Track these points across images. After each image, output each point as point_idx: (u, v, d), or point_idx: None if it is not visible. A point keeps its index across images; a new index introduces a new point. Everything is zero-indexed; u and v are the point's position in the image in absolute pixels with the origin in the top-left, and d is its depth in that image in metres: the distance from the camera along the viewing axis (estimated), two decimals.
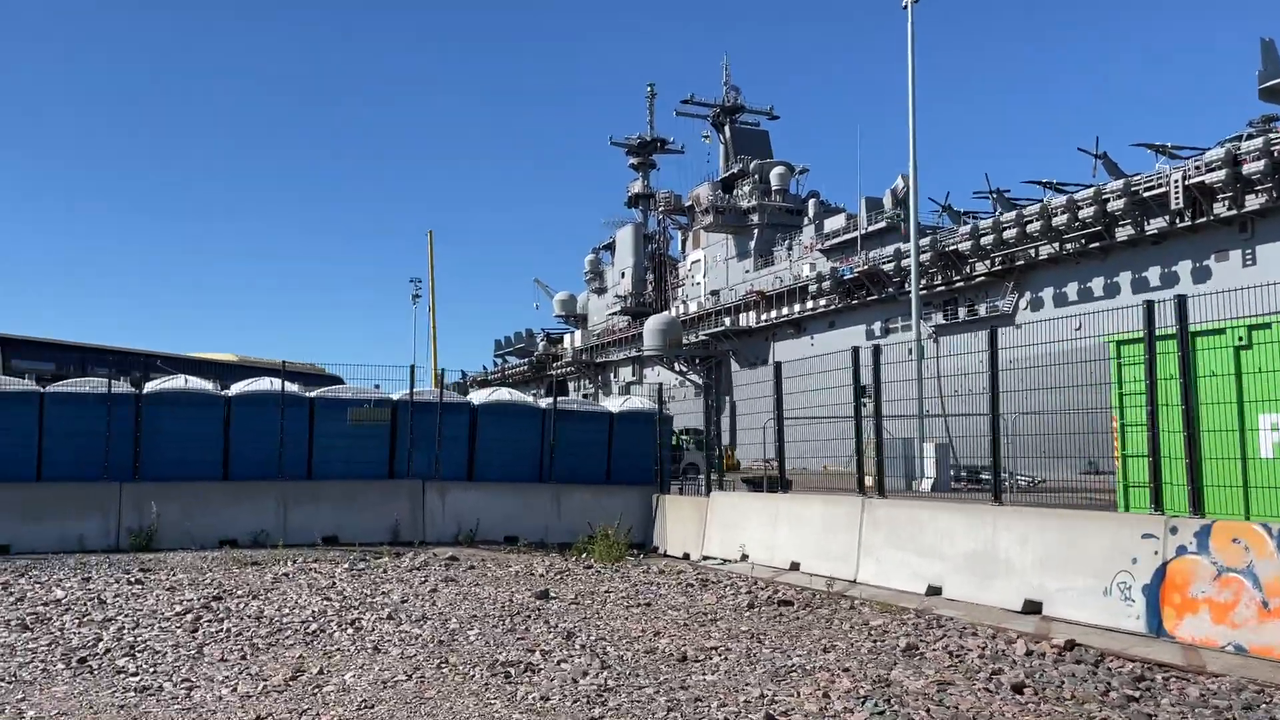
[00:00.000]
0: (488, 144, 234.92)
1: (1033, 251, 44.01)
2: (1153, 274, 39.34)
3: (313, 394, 20.22)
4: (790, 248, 66.27)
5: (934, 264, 47.91)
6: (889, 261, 50.98)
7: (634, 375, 76.74)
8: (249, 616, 10.66)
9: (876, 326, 52.68)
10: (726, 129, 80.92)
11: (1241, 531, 8.78)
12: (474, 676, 7.96)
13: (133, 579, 13.36)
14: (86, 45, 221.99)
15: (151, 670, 8.25)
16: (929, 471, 21.90)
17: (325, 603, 11.52)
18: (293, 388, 20.07)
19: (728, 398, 46.22)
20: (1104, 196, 39.73)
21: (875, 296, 52.58)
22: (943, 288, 48.78)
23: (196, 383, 20.25)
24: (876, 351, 14.47)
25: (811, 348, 54.45)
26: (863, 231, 57.63)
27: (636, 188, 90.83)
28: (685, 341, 68.00)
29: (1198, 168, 36.71)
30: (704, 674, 8.08)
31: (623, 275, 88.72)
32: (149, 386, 19.22)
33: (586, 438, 21.00)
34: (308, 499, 18.80)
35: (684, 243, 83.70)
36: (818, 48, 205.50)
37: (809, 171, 75.90)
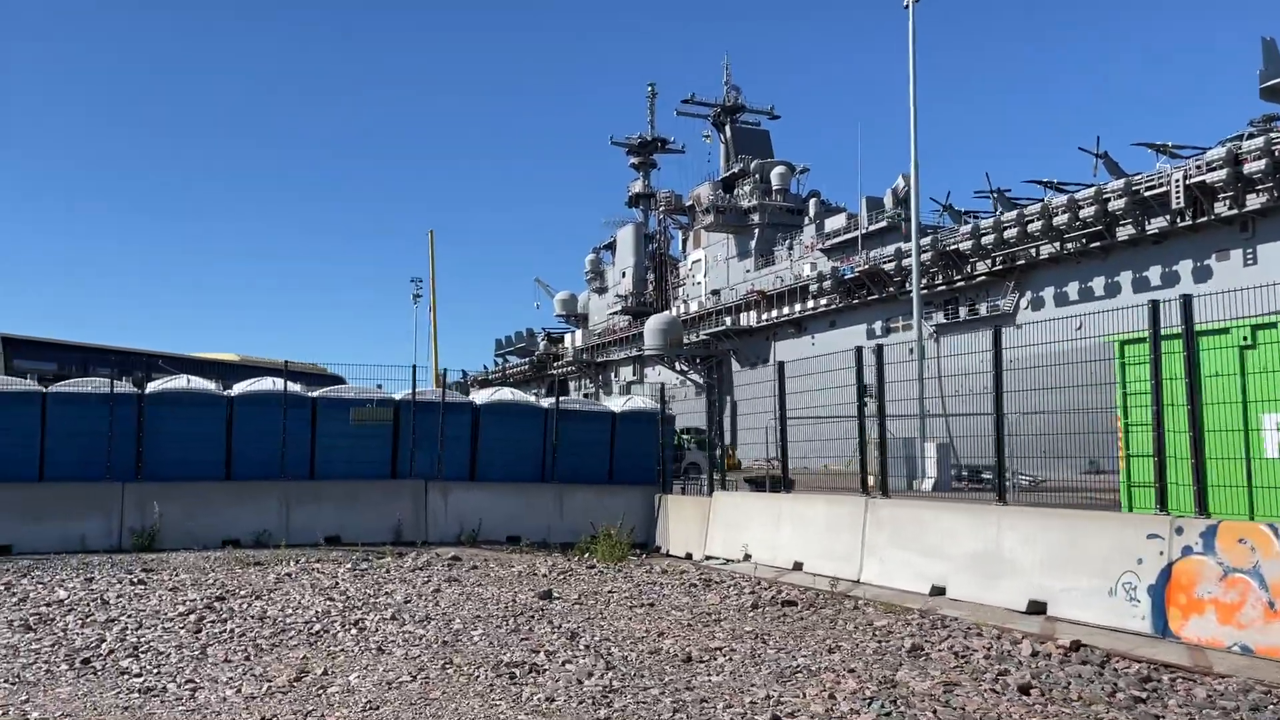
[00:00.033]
0: (488, 143, 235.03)
1: (1033, 251, 44.02)
2: (1154, 273, 39.34)
3: (315, 394, 20.20)
4: (791, 247, 66.28)
5: (935, 263, 47.92)
6: (890, 261, 50.98)
7: (635, 375, 76.74)
8: (252, 617, 10.65)
9: (877, 326, 52.69)
10: (727, 128, 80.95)
11: (1248, 532, 8.76)
12: (479, 677, 7.95)
13: (135, 579, 13.35)
14: (86, 45, 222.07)
15: (155, 671, 8.23)
16: (930, 471, 21.90)
17: (329, 603, 11.50)
18: (295, 388, 20.06)
19: (728, 397, 46.20)
20: (1105, 196, 39.73)
21: (876, 296, 52.59)
22: (943, 287, 48.79)
23: (199, 383, 20.22)
24: (880, 351, 14.46)
25: (812, 347, 54.46)
26: (863, 231, 57.63)
27: (637, 187, 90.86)
28: (686, 341, 68.03)
29: (1199, 167, 36.71)
30: (709, 675, 8.06)
31: (623, 275, 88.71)
32: (151, 386, 19.18)
33: (589, 437, 20.98)
34: (310, 499, 18.77)
35: (684, 242, 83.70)
36: (818, 47, 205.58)
37: (809, 171, 76.06)
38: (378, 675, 8.04)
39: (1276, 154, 33.84)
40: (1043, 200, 43.61)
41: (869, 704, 7.00)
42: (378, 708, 7.11)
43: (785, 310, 60.99)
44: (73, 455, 17.91)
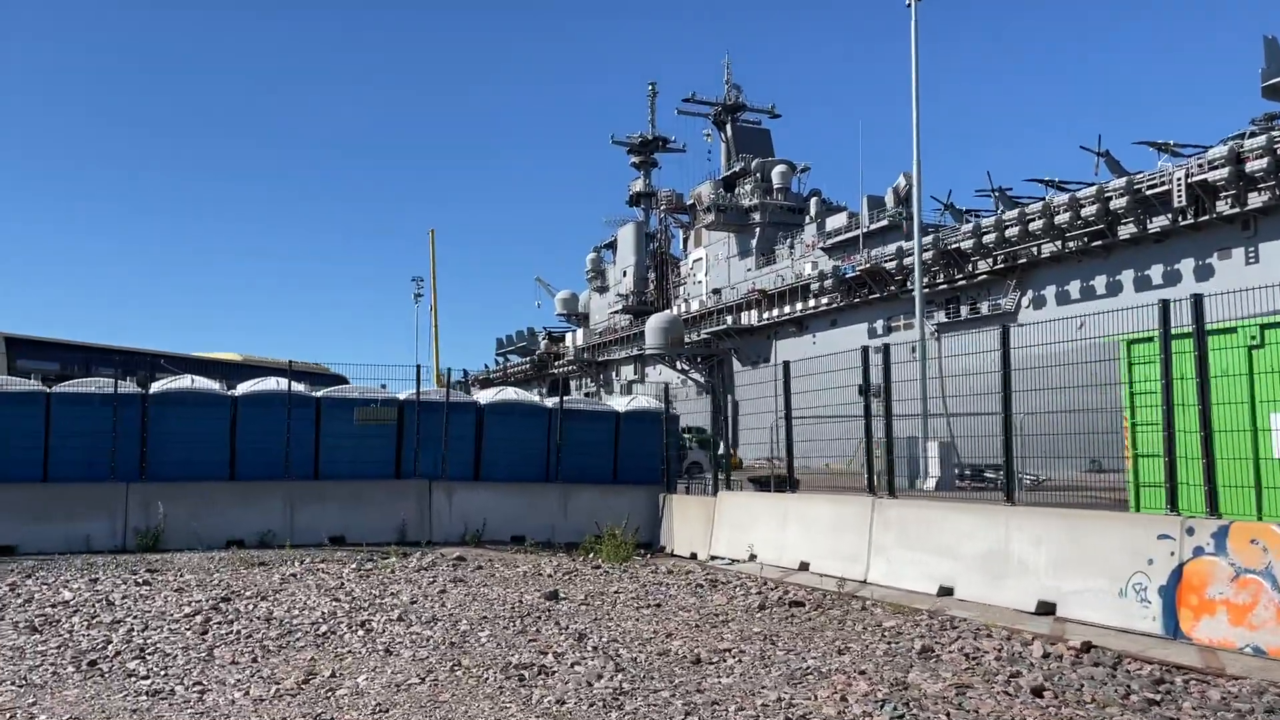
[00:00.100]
0: (489, 142, 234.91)
1: (1035, 250, 44.00)
2: (1155, 272, 39.32)
3: (319, 394, 20.15)
4: (792, 246, 66.25)
5: (936, 262, 47.89)
6: (891, 260, 50.96)
7: (635, 374, 76.73)
8: (258, 618, 10.60)
9: (879, 325, 52.67)
10: (728, 127, 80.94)
11: (1260, 532, 8.73)
12: (487, 679, 7.91)
13: (140, 580, 13.30)
14: (86, 45, 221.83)
15: (162, 673, 8.19)
16: (933, 470, 21.89)
17: (334, 604, 11.46)
18: (299, 387, 20.02)
19: (729, 396, 46.09)
20: (1106, 195, 39.70)
21: (877, 295, 52.57)
22: (945, 286, 48.75)
23: (203, 383, 20.14)
24: (886, 351, 14.42)
25: (813, 346, 54.46)
26: (864, 230, 57.57)
27: (638, 186, 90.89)
28: (687, 340, 68.01)
29: (1200, 166, 36.69)
30: (719, 677, 8.03)
31: (624, 274, 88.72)
32: (155, 386, 19.11)
33: (593, 437, 20.93)
34: (314, 499, 18.72)
35: (685, 241, 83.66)
36: (819, 46, 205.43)
37: (810, 170, 76.08)
38: (386, 677, 8.00)
39: (1278, 152, 33.80)
40: (1044, 199, 43.59)
41: (881, 706, 6.96)
42: (387, 710, 7.08)
43: (786, 309, 60.96)
44: (77, 455, 17.85)
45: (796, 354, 47.04)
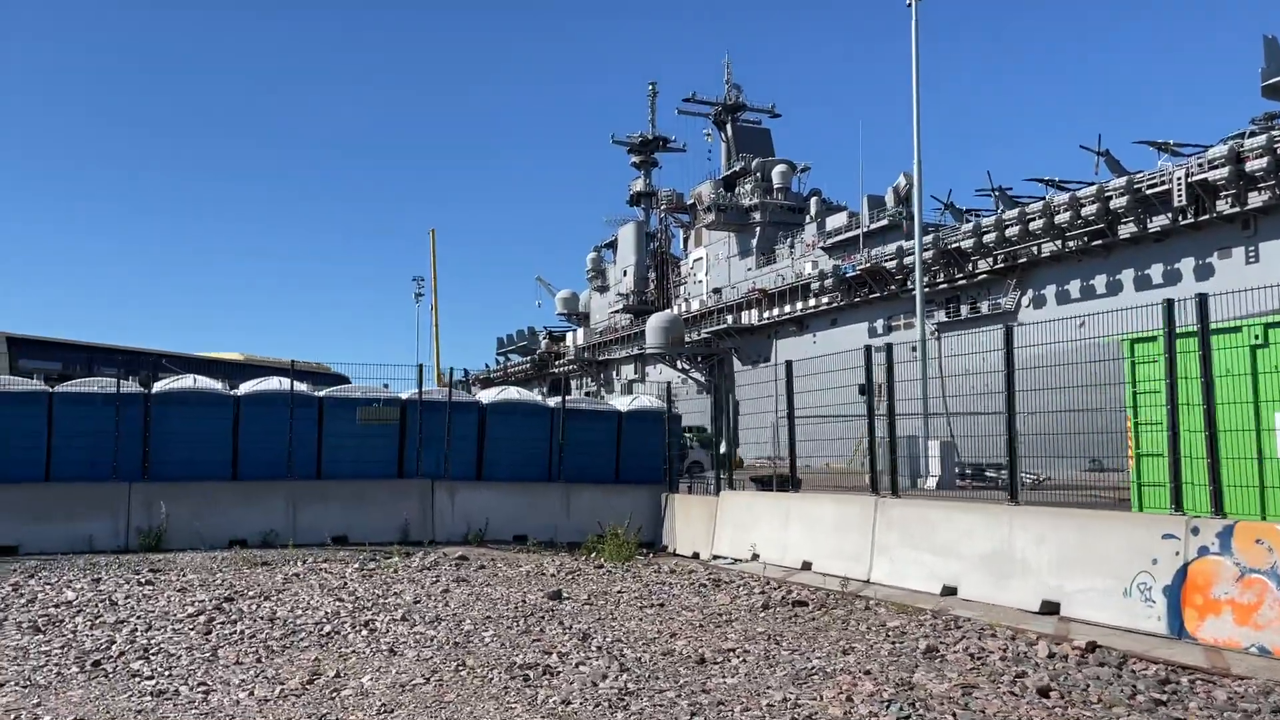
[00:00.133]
0: (489, 142, 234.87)
1: (1035, 249, 44.00)
2: (1155, 271, 39.32)
3: (322, 393, 20.15)
4: (792, 245, 66.28)
5: (936, 261, 47.90)
6: (891, 259, 50.97)
7: (636, 373, 76.73)
8: (262, 618, 10.59)
9: (879, 324, 52.69)
10: (728, 127, 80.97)
11: (1265, 532, 8.72)
12: (492, 679, 7.90)
13: (143, 580, 13.30)
14: (86, 45, 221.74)
15: (166, 673, 8.18)
16: (934, 470, 21.86)
17: (338, 603, 11.45)
18: (301, 387, 20.02)
19: (730, 395, 46.10)
20: (1106, 194, 39.70)
21: (878, 294, 52.57)
22: (945, 285, 48.77)
23: (205, 382, 20.14)
24: (890, 350, 14.42)
25: (814, 345, 54.48)
26: (865, 229, 57.57)
27: (638, 186, 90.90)
28: (687, 339, 68.00)
29: (1200, 165, 36.69)
30: (724, 677, 8.02)
31: (625, 273, 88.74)
32: (158, 386, 19.10)
33: (595, 437, 20.94)
34: (317, 499, 18.72)
35: (686, 241, 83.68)
36: (819, 45, 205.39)
37: (810, 169, 76.13)
38: (391, 677, 7.99)
39: (1278, 152, 33.80)
40: (1044, 198, 43.58)
41: (887, 707, 6.96)
42: (393, 710, 7.07)
43: (787, 309, 60.97)
44: (79, 455, 17.85)
45: (797, 353, 47.06)
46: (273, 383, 20.33)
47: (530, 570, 14.94)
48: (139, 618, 10.57)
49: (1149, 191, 38.23)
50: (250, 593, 12.25)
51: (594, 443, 20.87)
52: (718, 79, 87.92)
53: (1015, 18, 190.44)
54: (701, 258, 77.72)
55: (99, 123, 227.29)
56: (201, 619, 10.44)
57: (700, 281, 76.82)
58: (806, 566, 14.39)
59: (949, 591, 11.78)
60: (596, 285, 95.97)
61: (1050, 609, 10.39)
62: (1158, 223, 38.73)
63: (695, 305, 72.63)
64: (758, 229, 71.63)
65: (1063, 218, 41.28)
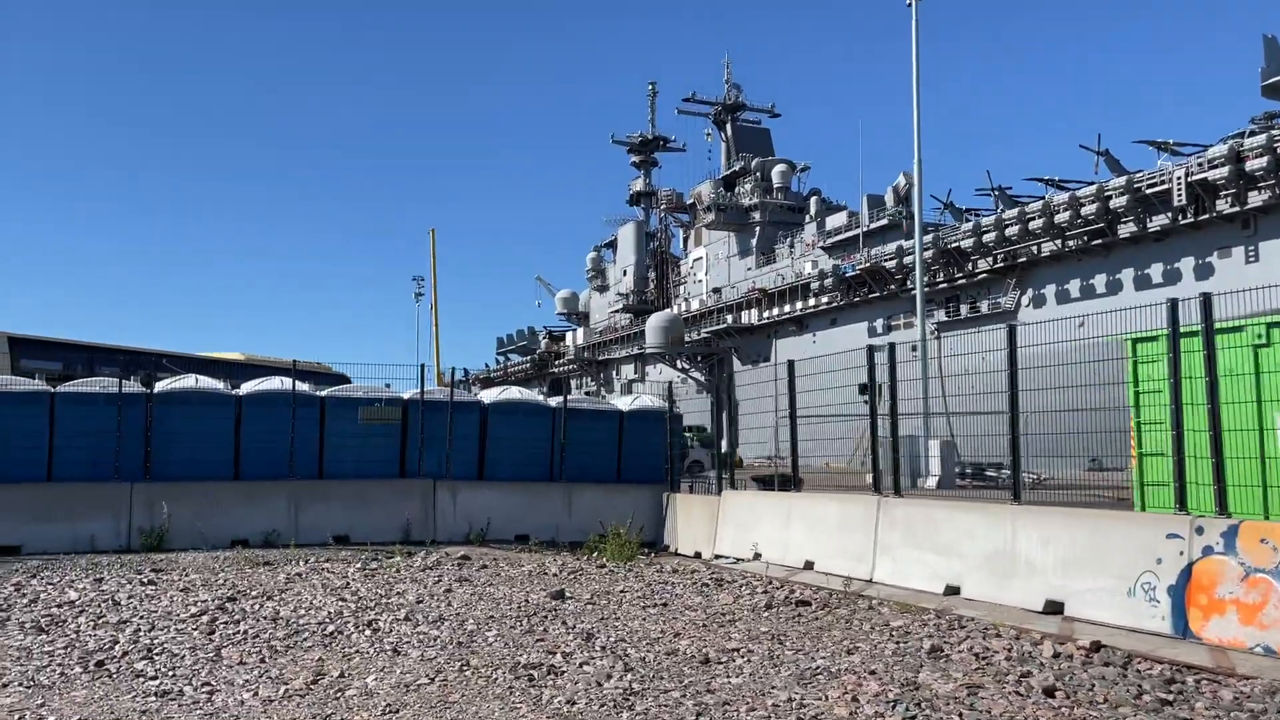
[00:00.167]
0: (489, 142, 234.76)
1: (1035, 249, 43.98)
2: (1155, 271, 39.31)
3: (323, 393, 20.13)
4: (792, 245, 66.27)
5: (936, 261, 47.89)
6: (891, 259, 50.97)
7: (636, 373, 76.72)
8: (265, 618, 10.59)
9: (879, 324, 52.68)
10: (728, 127, 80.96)
11: (1269, 532, 8.72)
12: (496, 679, 7.90)
13: (145, 580, 13.29)
14: (86, 45, 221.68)
15: (170, 673, 8.18)
16: (934, 469, 21.86)
17: (341, 603, 11.45)
18: (303, 387, 20.00)
19: (730, 395, 46.10)
20: (1106, 194, 39.67)
21: (877, 294, 52.57)
22: (945, 285, 48.76)
23: (207, 382, 20.12)
24: (892, 350, 14.41)
25: (814, 345, 54.49)
26: (864, 229, 57.56)
27: (638, 186, 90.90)
28: (687, 339, 67.98)
29: (1200, 165, 36.67)
30: (728, 677, 8.01)
31: (624, 273, 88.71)
32: (159, 386, 19.07)
33: (597, 436, 20.93)
34: (319, 498, 18.71)
35: (686, 240, 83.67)
36: (819, 45, 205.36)
37: (810, 169, 76.12)
38: (395, 677, 7.99)
39: (1278, 151, 33.79)
40: (1044, 198, 43.56)
41: (893, 707, 6.95)
42: (398, 710, 7.07)
43: (786, 308, 60.95)
44: (81, 455, 17.83)
45: (797, 353, 47.02)
46: (274, 382, 20.31)
47: (532, 570, 14.94)
48: (142, 618, 10.57)
49: (1149, 191, 38.22)
50: (253, 593, 12.25)
51: (596, 442, 20.86)
52: (717, 79, 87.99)
53: (1015, 18, 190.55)
54: (701, 257, 77.71)
55: (99, 123, 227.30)
56: (205, 619, 10.43)
57: (700, 281, 76.81)
58: (809, 566, 14.38)
59: (952, 591, 11.78)
60: (596, 285, 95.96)
61: (1054, 609, 10.38)
62: (1158, 222, 38.72)
63: (695, 305, 72.61)
64: (757, 229, 71.62)
65: (1063, 217, 41.26)
